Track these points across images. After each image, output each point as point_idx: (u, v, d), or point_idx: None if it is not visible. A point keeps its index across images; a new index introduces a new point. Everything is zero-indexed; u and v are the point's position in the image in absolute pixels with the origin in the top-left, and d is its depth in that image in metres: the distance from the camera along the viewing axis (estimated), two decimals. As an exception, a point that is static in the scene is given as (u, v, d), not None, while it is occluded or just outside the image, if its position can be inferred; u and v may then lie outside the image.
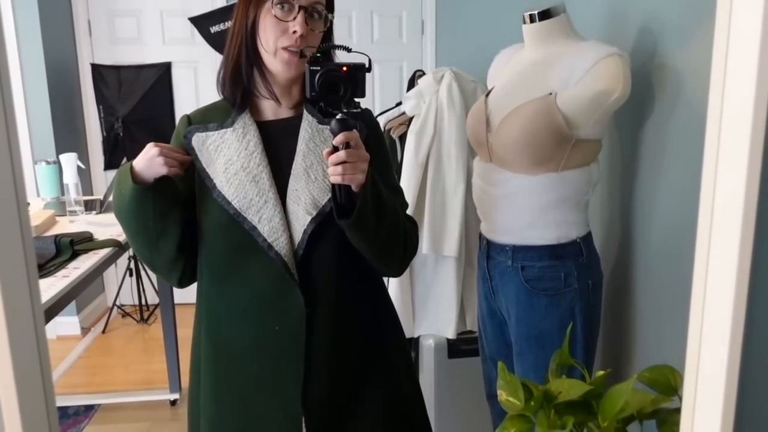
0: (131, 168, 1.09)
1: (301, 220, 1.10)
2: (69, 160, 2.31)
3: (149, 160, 1.08)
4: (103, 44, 3.63)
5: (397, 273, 1.25)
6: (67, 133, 3.47)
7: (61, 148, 3.15)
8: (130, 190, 1.08)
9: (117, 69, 3.63)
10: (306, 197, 1.11)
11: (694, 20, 1.24)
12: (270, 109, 1.18)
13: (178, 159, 1.11)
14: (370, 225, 1.06)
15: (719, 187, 0.54)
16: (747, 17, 0.49)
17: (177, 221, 1.13)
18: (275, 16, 1.09)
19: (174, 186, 1.12)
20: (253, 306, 1.14)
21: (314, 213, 1.10)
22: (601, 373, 0.92)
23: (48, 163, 2.53)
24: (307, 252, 1.11)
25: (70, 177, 2.27)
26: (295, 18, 1.09)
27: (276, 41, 1.09)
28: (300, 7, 1.09)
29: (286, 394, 1.13)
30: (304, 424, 1.13)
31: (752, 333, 0.54)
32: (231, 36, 1.15)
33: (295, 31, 1.08)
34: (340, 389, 1.16)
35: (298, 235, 1.11)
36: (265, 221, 1.10)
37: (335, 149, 1.00)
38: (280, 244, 1.10)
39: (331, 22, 1.15)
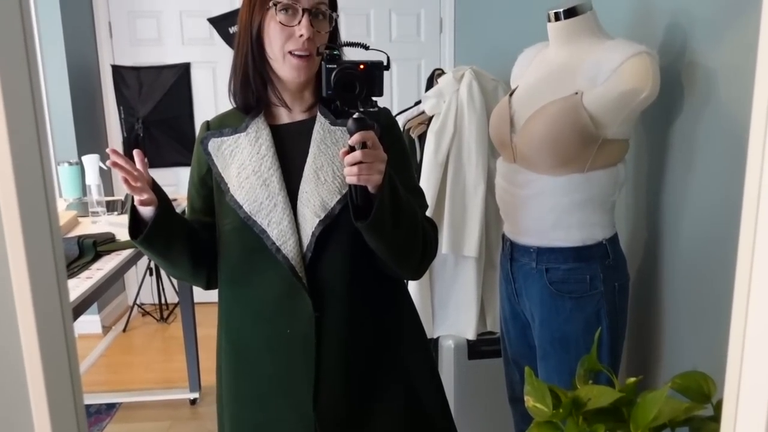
0: (134, 210, 1.10)
1: (310, 223, 1.10)
2: (91, 162, 2.33)
3: (138, 200, 1.08)
4: (124, 45, 3.66)
5: (415, 276, 1.23)
6: (88, 135, 3.50)
7: (82, 150, 3.18)
8: (131, 239, 1.11)
9: (137, 70, 3.66)
10: (315, 199, 1.10)
11: (726, 16, 1.21)
12: (284, 113, 1.18)
13: (129, 172, 1.06)
14: (388, 227, 1.05)
15: (765, 185, 0.52)
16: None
17: (182, 253, 1.15)
18: (280, 21, 1.08)
19: (168, 226, 1.11)
20: (265, 309, 1.15)
21: (322, 215, 1.09)
22: (632, 380, 0.90)
23: (70, 164, 2.56)
24: (315, 255, 1.11)
25: (93, 178, 2.30)
26: (299, 22, 1.08)
27: (283, 47, 1.09)
28: (304, 10, 1.08)
29: (299, 396, 1.13)
30: (316, 426, 1.13)
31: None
32: (237, 46, 1.15)
33: (301, 35, 1.07)
34: (352, 392, 1.16)
35: (306, 238, 1.10)
36: (274, 224, 1.10)
37: (351, 149, 0.99)
38: (288, 248, 1.09)
39: (337, 21, 1.14)
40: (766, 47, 0.51)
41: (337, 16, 1.14)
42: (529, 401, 0.90)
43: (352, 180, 1.00)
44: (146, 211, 1.09)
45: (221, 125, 1.19)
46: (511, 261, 1.48)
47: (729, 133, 1.21)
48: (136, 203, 1.09)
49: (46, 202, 0.53)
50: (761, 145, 0.53)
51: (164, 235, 1.11)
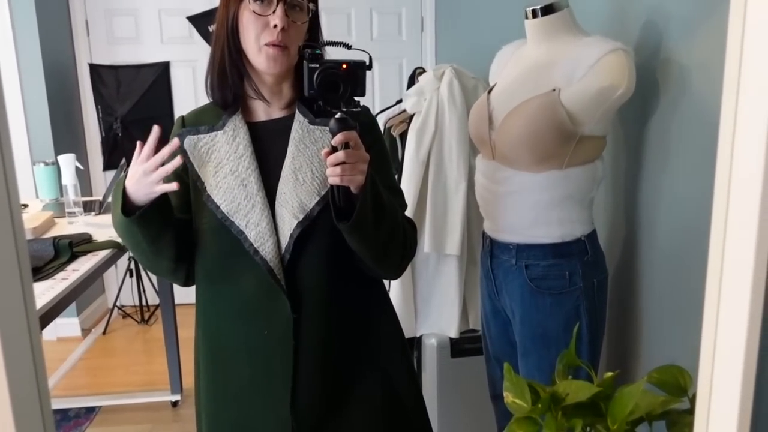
0: (124, 191, 1.05)
1: (288, 224, 1.09)
2: (67, 161, 2.29)
3: (139, 183, 1.03)
4: (101, 44, 3.61)
5: (395, 276, 1.23)
6: (65, 134, 3.45)
7: (59, 149, 3.13)
8: (119, 219, 1.06)
9: (115, 69, 3.61)
10: (293, 200, 1.09)
11: (700, 13, 1.23)
12: (262, 110, 1.16)
13: (168, 168, 1.02)
14: (370, 227, 1.04)
15: (734, 180, 0.53)
16: (763, 7, 0.47)
17: (170, 241, 1.12)
18: (254, 11, 1.06)
19: (165, 208, 1.09)
20: (243, 309, 1.13)
21: (301, 217, 1.08)
22: (610, 374, 0.90)
23: (46, 164, 2.51)
24: (294, 257, 1.09)
25: (69, 178, 2.26)
26: (274, 11, 1.05)
27: (258, 38, 1.07)
28: (278, 0, 1.06)
29: (276, 396, 1.12)
30: (293, 426, 1.12)
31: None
32: (214, 39, 1.12)
33: (275, 25, 1.05)
34: (330, 393, 1.15)
35: (285, 239, 1.09)
36: (252, 226, 1.08)
37: (334, 149, 0.98)
38: (266, 249, 1.08)
39: (315, 12, 1.12)
40: (734, 45, 0.51)
41: (315, 7, 1.12)
42: (509, 397, 0.90)
43: (334, 180, 0.99)
44: (144, 196, 1.04)
45: (197, 121, 1.17)
46: (491, 258, 1.49)
47: (703, 129, 1.22)
48: (141, 190, 1.03)
49: (9, 202, 0.51)
50: (730, 141, 0.54)
51: (160, 216, 1.07)
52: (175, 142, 1.04)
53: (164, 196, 1.07)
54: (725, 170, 0.54)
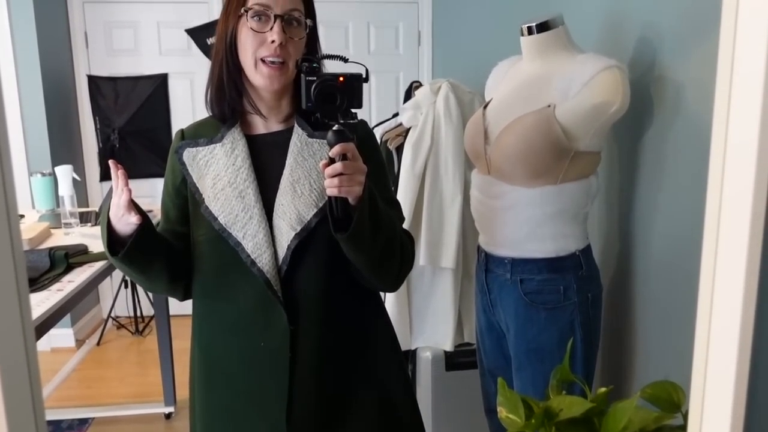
0: (109, 224, 1.06)
1: (286, 236, 1.09)
2: (64, 172, 2.29)
3: (116, 216, 1.05)
4: (100, 55, 3.62)
5: (392, 288, 1.23)
6: (62, 145, 3.45)
7: (56, 160, 3.14)
8: (107, 255, 1.09)
9: (113, 80, 3.62)
10: (291, 212, 1.09)
11: (693, 31, 1.24)
12: (260, 123, 1.17)
13: (121, 203, 1.04)
14: (367, 238, 1.05)
15: (726, 197, 0.53)
16: (753, 26, 0.48)
17: (161, 269, 1.14)
18: (251, 28, 1.08)
19: (150, 241, 1.10)
20: (239, 321, 1.13)
21: (298, 228, 1.09)
22: (603, 390, 0.90)
23: (43, 175, 2.52)
24: (291, 268, 1.10)
25: (66, 189, 2.26)
26: (272, 28, 1.07)
27: (255, 53, 1.08)
28: (276, 16, 1.07)
29: (271, 409, 1.12)
30: None
31: (761, 346, 0.53)
32: (214, 54, 1.14)
33: (273, 41, 1.07)
34: (326, 404, 1.15)
35: (282, 251, 1.10)
36: (249, 237, 1.09)
37: (332, 161, 0.99)
38: (263, 261, 1.09)
39: (312, 28, 1.14)
40: (725, 62, 0.52)
41: (312, 23, 1.14)
42: (502, 412, 0.90)
43: (332, 192, 0.99)
44: (124, 228, 1.06)
45: (196, 135, 1.18)
46: (486, 272, 1.49)
47: (697, 145, 1.24)
48: (120, 222, 1.05)
49: (7, 213, 0.52)
50: (721, 157, 0.55)
51: (145, 251, 1.09)
52: (120, 170, 1.05)
53: (150, 227, 1.09)
54: (717, 185, 0.54)
